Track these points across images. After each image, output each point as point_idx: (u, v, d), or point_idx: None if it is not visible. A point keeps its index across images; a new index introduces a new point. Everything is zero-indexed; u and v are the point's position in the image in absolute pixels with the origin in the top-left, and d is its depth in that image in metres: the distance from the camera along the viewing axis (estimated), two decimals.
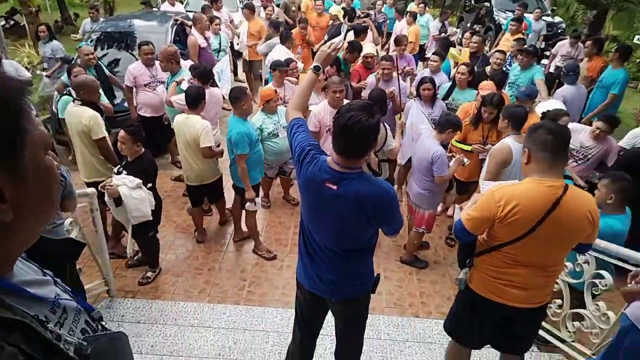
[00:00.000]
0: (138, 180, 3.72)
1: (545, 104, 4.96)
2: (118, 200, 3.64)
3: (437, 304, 4.13)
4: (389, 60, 5.46)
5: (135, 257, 4.42)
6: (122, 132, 3.83)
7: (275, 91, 4.81)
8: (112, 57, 7.13)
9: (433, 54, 6.24)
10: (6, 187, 0.68)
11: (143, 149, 3.92)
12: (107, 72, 5.96)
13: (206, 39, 7.23)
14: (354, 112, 2.02)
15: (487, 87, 4.75)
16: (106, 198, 3.73)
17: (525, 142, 2.33)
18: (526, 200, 2.20)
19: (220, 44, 7.73)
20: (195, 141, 4.23)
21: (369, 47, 6.57)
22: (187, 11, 9.78)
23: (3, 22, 14.05)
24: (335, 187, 2.12)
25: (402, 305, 4.09)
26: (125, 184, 3.65)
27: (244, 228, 4.79)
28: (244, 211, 4.57)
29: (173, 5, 9.81)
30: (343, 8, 10.43)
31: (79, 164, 4.29)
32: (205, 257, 4.64)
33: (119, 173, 3.83)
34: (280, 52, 6.51)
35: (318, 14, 9.20)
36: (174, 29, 7.50)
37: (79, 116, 4.02)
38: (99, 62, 5.88)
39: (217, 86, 5.71)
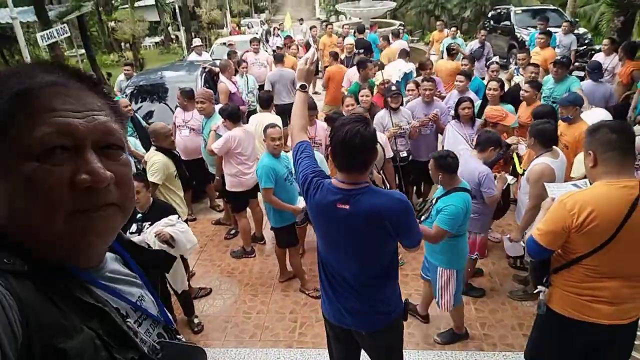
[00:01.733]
0: (173, 217, 3.64)
1: (591, 114, 4.76)
2: (170, 242, 3.58)
3: (501, 335, 3.87)
4: (431, 81, 5.42)
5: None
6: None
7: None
8: (147, 109, 7.35)
9: (458, 74, 6.16)
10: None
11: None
12: (143, 123, 6.12)
13: (234, 83, 7.39)
14: (350, 125, 2.00)
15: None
16: (157, 247, 3.67)
17: (588, 145, 2.20)
18: (602, 204, 2.05)
19: (247, 85, 7.91)
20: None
21: (401, 64, 6.61)
22: (213, 59, 10.12)
23: None
24: (347, 207, 2.07)
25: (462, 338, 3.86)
26: (167, 224, 3.59)
27: (289, 268, 4.70)
28: (287, 251, 4.50)
29: (200, 54, 10.20)
30: (357, 40, 10.58)
31: None
32: (253, 300, 4.54)
33: (139, 231, 3.60)
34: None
35: (340, 49, 9.42)
36: (203, 76, 7.72)
37: (148, 158, 4.43)
38: (135, 114, 6.05)
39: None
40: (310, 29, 11.61)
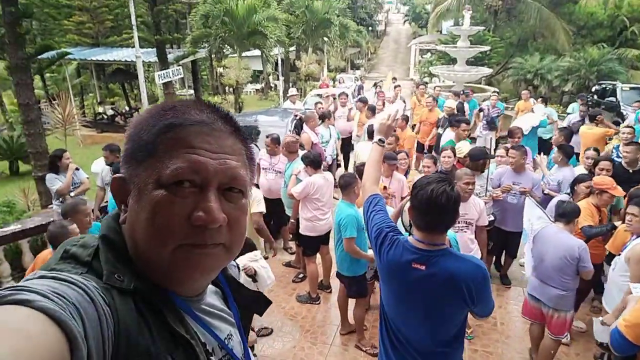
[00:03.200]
0: (257, 252, 3.77)
1: None
2: (254, 277, 3.71)
3: None
4: (519, 149, 5.20)
5: None
6: None
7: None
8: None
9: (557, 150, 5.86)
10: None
11: None
12: None
13: (317, 134, 7.71)
14: (436, 184, 1.96)
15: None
16: (243, 279, 3.82)
17: None
18: None
19: (330, 135, 8.21)
20: None
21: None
22: (305, 109, 10.66)
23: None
24: (423, 268, 2.00)
25: None
26: (251, 259, 3.72)
27: (351, 320, 4.60)
28: (355, 301, 4.43)
29: (294, 103, 10.80)
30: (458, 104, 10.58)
31: None
32: (311, 349, 4.48)
33: None
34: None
35: (429, 110, 9.47)
36: (294, 123, 8.14)
37: None
38: None
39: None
40: (395, 87, 11.88)
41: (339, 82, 19.90)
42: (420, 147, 9.24)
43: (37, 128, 7.72)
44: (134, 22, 8.56)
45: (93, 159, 6.76)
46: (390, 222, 2.22)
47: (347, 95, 10.53)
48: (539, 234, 3.98)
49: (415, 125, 9.96)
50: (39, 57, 9.05)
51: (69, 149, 6.38)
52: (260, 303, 1.07)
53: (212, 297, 0.93)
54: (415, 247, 2.04)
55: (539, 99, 10.57)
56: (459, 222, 4.34)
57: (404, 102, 11.65)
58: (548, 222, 4.08)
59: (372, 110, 8.78)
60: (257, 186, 4.86)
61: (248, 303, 1.03)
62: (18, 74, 7.20)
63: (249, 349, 1.02)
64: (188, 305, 0.83)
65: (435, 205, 1.93)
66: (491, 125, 9.28)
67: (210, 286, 0.93)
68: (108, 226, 0.79)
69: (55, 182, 5.61)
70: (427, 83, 11.90)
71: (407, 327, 2.15)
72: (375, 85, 16.20)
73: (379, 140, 2.44)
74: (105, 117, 17.42)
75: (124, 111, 17.88)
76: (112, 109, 17.99)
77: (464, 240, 4.37)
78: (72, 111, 8.95)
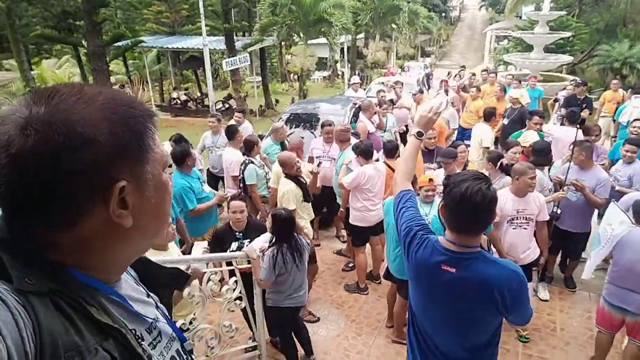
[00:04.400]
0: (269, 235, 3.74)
1: None
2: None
3: None
4: (580, 146, 4.70)
5: None
6: (236, 203, 3.96)
7: (431, 179, 4.48)
8: (298, 134, 7.91)
9: (628, 143, 5.28)
10: (130, 195, 0.75)
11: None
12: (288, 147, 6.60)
13: (373, 123, 7.55)
14: (471, 182, 1.80)
15: None
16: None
17: None
18: None
19: (386, 124, 8.03)
20: None
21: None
22: (368, 96, 10.51)
23: (220, 105, 17.09)
24: (453, 270, 1.87)
25: None
26: (265, 241, 3.69)
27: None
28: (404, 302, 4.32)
29: (356, 91, 10.68)
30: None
31: None
32: (355, 339, 4.45)
33: (239, 249, 3.83)
34: None
35: (497, 99, 9.02)
36: (352, 111, 8.05)
37: (279, 188, 4.76)
38: (285, 140, 6.55)
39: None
40: (481, 72, 11.40)
41: (405, 71, 19.44)
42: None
43: None
44: (202, 11, 8.87)
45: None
46: (421, 220, 2.09)
47: (402, 85, 10.39)
48: (622, 239, 3.58)
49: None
50: (117, 44, 9.61)
51: None
52: (180, 280, 1.09)
53: (129, 283, 0.93)
54: (446, 248, 1.91)
55: (629, 90, 9.64)
56: (517, 218, 4.09)
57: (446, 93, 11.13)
58: (631, 226, 3.70)
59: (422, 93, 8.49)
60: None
61: (168, 281, 1.04)
62: (95, 61, 7.71)
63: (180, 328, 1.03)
64: (117, 292, 0.84)
65: (469, 205, 1.78)
66: (572, 117, 8.22)
67: (125, 273, 0.93)
68: (2, 230, 0.75)
69: None
70: (495, 72, 11.16)
71: (434, 329, 2.04)
72: (448, 75, 15.68)
73: (417, 133, 2.23)
74: (179, 102, 18.29)
75: (195, 97, 18.72)
76: (185, 94, 18.88)
77: (523, 238, 4.11)
78: (142, 98, 9.44)
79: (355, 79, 11.82)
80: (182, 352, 0.98)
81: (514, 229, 4.09)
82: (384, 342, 4.42)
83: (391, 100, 9.16)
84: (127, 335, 0.76)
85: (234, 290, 3.53)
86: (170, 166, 4.86)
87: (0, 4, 11.44)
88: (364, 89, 11.95)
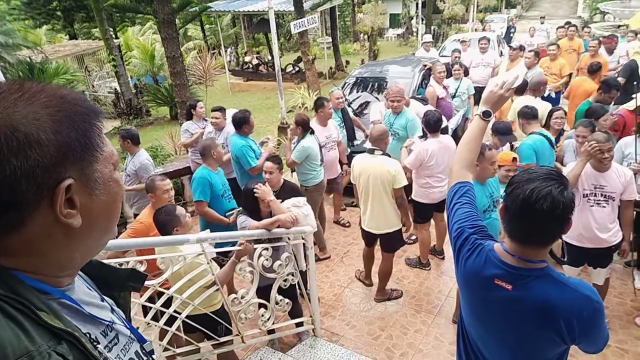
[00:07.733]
0: (302, 199, 3.89)
1: None
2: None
3: None
4: None
5: None
6: (268, 164, 4.09)
7: (515, 158, 3.92)
8: (363, 99, 7.62)
9: None
10: (77, 194, 0.75)
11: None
12: (351, 114, 6.33)
13: (445, 87, 6.97)
14: (539, 183, 1.45)
15: None
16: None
17: None
18: None
19: (457, 89, 7.41)
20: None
21: None
22: (441, 56, 9.83)
23: (290, 68, 17.01)
24: (509, 287, 1.56)
25: None
26: (294, 205, 3.75)
27: None
28: None
29: (428, 51, 10.01)
30: None
31: (370, 217, 4.32)
32: (414, 316, 4.31)
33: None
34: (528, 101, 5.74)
35: (591, 55, 7.93)
36: (422, 73, 7.56)
37: (383, 166, 4.08)
38: (345, 106, 6.25)
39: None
40: (557, 28, 9.91)
41: (483, 24, 17.95)
42: None
43: (182, 79, 8.46)
44: None
45: (237, 107, 7.05)
46: (476, 221, 1.75)
47: (488, 40, 9.32)
48: None
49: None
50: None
51: (220, 96, 6.80)
52: (135, 279, 1.05)
53: (82, 288, 0.91)
54: (501, 260, 1.60)
55: None
56: (595, 195, 3.62)
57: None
58: None
59: (537, 56, 7.47)
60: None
61: (123, 282, 1.03)
62: (165, 28, 7.86)
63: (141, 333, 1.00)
64: (69, 296, 0.82)
65: (534, 212, 1.45)
66: None
67: (78, 279, 0.91)
68: None
69: (184, 133, 6.05)
70: (574, 25, 9.55)
71: (485, 346, 1.77)
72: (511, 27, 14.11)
73: (484, 112, 1.87)
74: (251, 66, 18.47)
75: (267, 60, 18.77)
76: (256, 58, 19.00)
77: (602, 217, 3.63)
78: (210, 65, 9.55)
79: (427, 37, 11.08)
80: (141, 354, 0.96)
81: (591, 206, 3.64)
82: (444, 322, 4.23)
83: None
84: (82, 339, 0.75)
85: (287, 265, 3.51)
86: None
87: None
88: (438, 48, 11.18)
